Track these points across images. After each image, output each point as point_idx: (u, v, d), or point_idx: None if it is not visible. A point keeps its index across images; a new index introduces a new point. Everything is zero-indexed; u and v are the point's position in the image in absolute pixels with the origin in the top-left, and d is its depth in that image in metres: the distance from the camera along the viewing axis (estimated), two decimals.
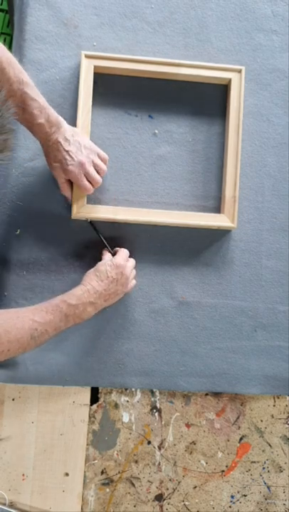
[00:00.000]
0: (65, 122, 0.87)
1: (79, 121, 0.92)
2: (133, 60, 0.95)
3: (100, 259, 0.91)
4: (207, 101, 0.99)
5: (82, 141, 0.88)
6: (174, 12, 1.00)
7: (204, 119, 0.99)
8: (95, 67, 0.94)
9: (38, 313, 0.79)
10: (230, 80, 0.96)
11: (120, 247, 0.93)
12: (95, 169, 0.89)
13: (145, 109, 0.98)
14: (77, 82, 0.95)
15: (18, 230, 0.95)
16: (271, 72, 1.00)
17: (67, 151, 0.86)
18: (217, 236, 0.98)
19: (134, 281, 0.92)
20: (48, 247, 0.95)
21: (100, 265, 0.87)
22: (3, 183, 0.95)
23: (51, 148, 0.86)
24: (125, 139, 0.98)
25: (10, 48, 0.93)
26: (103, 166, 0.90)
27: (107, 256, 0.91)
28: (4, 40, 1.51)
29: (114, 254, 0.92)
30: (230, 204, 0.95)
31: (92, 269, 0.88)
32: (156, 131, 0.98)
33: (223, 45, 1.00)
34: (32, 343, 0.79)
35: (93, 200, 0.96)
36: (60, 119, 0.86)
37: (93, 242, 0.95)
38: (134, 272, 0.92)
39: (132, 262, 0.91)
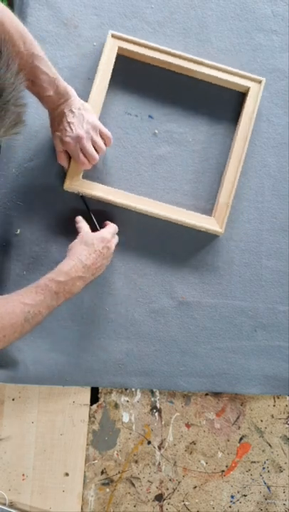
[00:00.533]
0: (74, 93, 0.88)
1: (92, 96, 0.93)
2: (159, 50, 0.95)
3: None
4: (207, 101, 0.99)
5: (86, 116, 0.88)
6: (174, 12, 1.00)
7: (204, 120, 0.99)
8: (119, 48, 0.95)
9: (27, 295, 0.78)
10: (248, 89, 0.96)
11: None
12: (94, 146, 0.89)
13: (145, 109, 0.98)
14: (78, 82, 0.95)
15: (18, 230, 0.95)
16: (271, 72, 1.00)
17: (68, 123, 0.86)
18: (217, 236, 0.98)
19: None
20: (48, 246, 0.95)
21: (87, 237, 0.86)
22: (3, 183, 0.95)
23: (56, 118, 0.87)
24: (125, 139, 0.98)
25: None
26: (101, 144, 0.90)
27: (81, 225, 0.90)
28: None
29: (102, 227, 0.91)
30: (222, 210, 0.95)
31: (77, 240, 0.86)
32: (156, 131, 0.98)
33: (223, 45, 1.00)
34: (27, 326, 0.78)
35: (90, 177, 0.95)
36: (69, 89, 0.87)
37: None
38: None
39: (116, 238, 0.91)
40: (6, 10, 0.77)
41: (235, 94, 0.99)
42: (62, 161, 0.91)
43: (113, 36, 0.94)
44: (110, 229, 0.90)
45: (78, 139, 0.87)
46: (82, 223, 0.90)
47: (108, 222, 0.92)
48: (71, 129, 0.86)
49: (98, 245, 0.85)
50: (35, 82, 0.82)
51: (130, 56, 0.96)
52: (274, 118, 1.00)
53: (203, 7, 1.00)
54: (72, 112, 0.86)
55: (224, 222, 0.95)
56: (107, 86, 0.94)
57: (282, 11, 1.02)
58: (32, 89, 0.83)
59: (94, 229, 0.90)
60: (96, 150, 0.89)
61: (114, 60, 0.94)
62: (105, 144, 0.91)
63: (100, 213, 0.94)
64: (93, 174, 0.95)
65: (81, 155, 0.88)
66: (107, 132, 0.91)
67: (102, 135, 0.90)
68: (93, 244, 0.85)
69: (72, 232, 0.95)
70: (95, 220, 0.92)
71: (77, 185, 0.93)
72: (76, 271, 0.82)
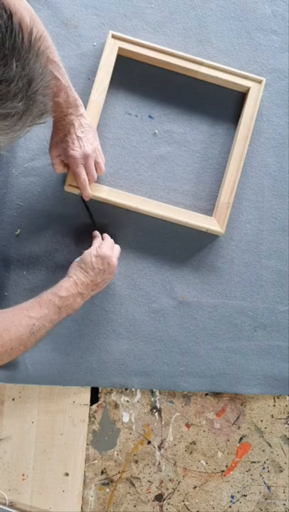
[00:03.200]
0: (83, 107, 0.87)
1: (92, 96, 0.93)
2: (159, 50, 0.95)
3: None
4: (207, 101, 0.99)
5: (93, 136, 0.88)
6: (174, 12, 1.00)
7: (204, 120, 0.99)
8: (119, 48, 0.94)
9: (32, 308, 0.80)
10: (248, 89, 0.96)
11: (110, 232, 0.94)
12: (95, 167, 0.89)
13: (145, 109, 0.98)
14: (78, 82, 0.95)
15: (18, 230, 0.95)
16: (271, 72, 1.00)
17: (78, 137, 0.85)
18: (217, 236, 0.98)
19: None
20: (48, 246, 0.95)
21: (85, 256, 0.87)
22: (3, 183, 0.95)
23: (62, 128, 0.85)
24: (125, 139, 0.98)
25: None
26: (102, 167, 0.91)
27: (95, 242, 0.90)
28: None
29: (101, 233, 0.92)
30: (223, 210, 0.95)
31: (77, 260, 0.87)
32: (156, 131, 0.98)
33: (223, 45, 1.00)
34: (32, 339, 0.79)
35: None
36: (80, 102, 0.86)
37: None
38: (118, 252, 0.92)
39: (117, 249, 0.91)
40: (31, 9, 0.75)
41: (235, 94, 0.99)
42: (60, 170, 0.90)
43: (113, 36, 0.94)
44: (108, 243, 0.89)
45: (85, 156, 0.86)
46: (95, 240, 0.91)
47: (105, 235, 0.92)
48: (79, 144, 0.85)
49: (96, 263, 0.86)
50: None
51: (130, 56, 0.96)
52: (274, 118, 1.00)
53: (203, 7, 1.00)
54: (81, 126, 0.86)
55: (225, 222, 0.95)
56: (107, 86, 0.94)
57: (282, 11, 1.02)
58: None
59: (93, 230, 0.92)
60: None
61: (114, 60, 0.94)
62: (96, 170, 0.90)
63: (99, 213, 0.94)
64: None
65: (84, 173, 0.87)
66: (102, 160, 0.91)
67: (97, 159, 0.90)
68: (91, 263, 0.86)
69: (72, 232, 0.96)
70: (94, 223, 0.93)
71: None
72: (75, 288, 0.84)
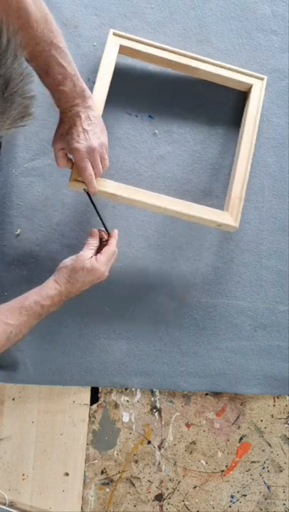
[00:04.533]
0: (92, 99, 0.82)
1: (95, 93, 0.89)
2: (160, 48, 0.94)
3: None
4: (207, 101, 0.99)
5: (100, 131, 0.83)
6: (174, 12, 1.00)
7: (204, 119, 0.99)
8: (121, 46, 0.93)
9: (11, 315, 0.77)
10: (250, 87, 0.96)
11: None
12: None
13: (145, 109, 0.98)
14: None
15: (18, 230, 0.95)
16: (271, 72, 1.01)
17: (84, 130, 0.80)
18: (217, 236, 0.98)
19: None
20: (48, 246, 0.95)
21: (78, 266, 0.81)
22: (3, 183, 0.95)
23: (68, 120, 0.80)
24: (125, 139, 0.98)
25: None
26: (107, 162, 0.85)
27: (90, 244, 0.84)
28: None
29: (108, 231, 0.87)
30: (236, 204, 0.91)
31: (69, 264, 0.82)
32: (156, 131, 0.98)
33: (223, 45, 1.00)
34: (7, 344, 0.78)
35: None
36: (88, 93, 0.81)
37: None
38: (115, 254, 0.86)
39: (113, 259, 0.86)
40: None
41: (235, 94, 0.99)
42: (63, 164, 0.84)
43: (114, 34, 0.94)
44: (107, 255, 0.83)
45: (90, 150, 0.80)
46: (92, 240, 0.85)
47: (108, 248, 0.84)
48: (85, 138, 0.80)
49: (87, 277, 0.81)
50: (48, 73, 0.75)
51: (131, 55, 0.96)
52: (274, 118, 1.00)
53: (203, 7, 1.00)
54: (88, 118, 0.80)
55: (238, 217, 0.91)
56: (109, 84, 0.93)
57: (282, 11, 1.02)
58: (45, 80, 0.77)
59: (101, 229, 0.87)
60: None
61: (115, 58, 0.93)
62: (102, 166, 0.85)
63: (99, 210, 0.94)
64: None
65: (90, 167, 0.81)
66: (107, 155, 0.85)
67: (103, 156, 0.84)
68: (83, 276, 0.81)
69: (72, 233, 0.95)
70: (102, 219, 0.87)
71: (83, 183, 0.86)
72: (61, 297, 0.81)
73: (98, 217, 0.87)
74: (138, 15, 0.99)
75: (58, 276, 0.82)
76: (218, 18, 1.00)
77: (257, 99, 0.96)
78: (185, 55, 0.95)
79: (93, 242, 0.85)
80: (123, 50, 0.95)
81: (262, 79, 0.96)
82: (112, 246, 0.85)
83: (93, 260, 0.82)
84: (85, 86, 0.80)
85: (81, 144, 0.80)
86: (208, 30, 1.00)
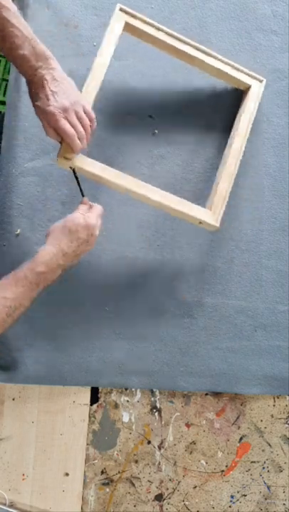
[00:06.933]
0: (55, 61, 0.79)
1: (95, 66, 0.87)
2: (166, 32, 0.91)
3: None
4: (207, 101, 0.99)
5: (71, 89, 0.80)
6: (174, 12, 1.00)
7: (204, 119, 0.99)
8: (126, 23, 0.90)
9: (7, 288, 0.75)
10: (249, 87, 0.96)
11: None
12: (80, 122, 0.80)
13: (145, 109, 0.98)
14: (77, 82, 0.95)
15: (18, 230, 0.95)
16: (271, 72, 1.01)
17: (52, 92, 0.77)
18: (217, 236, 0.98)
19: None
20: None
21: (71, 223, 0.79)
22: (3, 183, 0.95)
23: (35, 85, 0.78)
24: (125, 139, 0.98)
25: None
26: (87, 121, 0.81)
27: (80, 207, 0.82)
28: None
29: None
30: (219, 203, 0.89)
31: (60, 224, 0.79)
32: (156, 131, 0.98)
33: (223, 45, 1.00)
34: (9, 320, 0.75)
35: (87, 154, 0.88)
36: (49, 54, 0.78)
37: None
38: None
39: (100, 219, 0.83)
40: None
41: (234, 94, 0.99)
42: (52, 134, 0.80)
43: (121, 10, 0.90)
44: (96, 212, 0.82)
45: (64, 110, 0.77)
46: (82, 206, 0.83)
47: (94, 204, 0.84)
48: (55, 99, 0.77)
49: (82, 233, 0.79)
50: (4, 38, 0.73)
51: (136, 34, 0.92)
52: (274, 118, 1.00)
53: (203, 7, 1.00)
54: (54, 79, 0.77)
55: (220, 216, 0.89)
56: (109, 61, 0.89)
57: (282, 11, 1.02)
58: (3, 47, 0.74)
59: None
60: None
61: (119, 34, 0.89)
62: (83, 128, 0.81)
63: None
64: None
65: (67, 125, 0.78)
66: (90, 112, 0.82)
67: (84, 111, 0.81)
68: (77, 232, 0.79)
69: None
70: (84, 196, 0.85)
71: (73, 160, 0.83)
72: (56, 260, 0.77)
73: (80, 190, 0.85)
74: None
75: (49, 239, 0.79)
76: (218, 18, 1.00)
77: (254, 100, 0.95)
78: (191, 44, 0.92)
79: (83, 207, 0.83)
80: (128, 28, 0.90)
81: (261, 81, 0.96)
82: (98, 206, 0.84)
83: (86, 217, 0.80)
84: (45, 48, 0.78)
85: (52, 105, 0.77)
86: (208, 30, 1.00)
